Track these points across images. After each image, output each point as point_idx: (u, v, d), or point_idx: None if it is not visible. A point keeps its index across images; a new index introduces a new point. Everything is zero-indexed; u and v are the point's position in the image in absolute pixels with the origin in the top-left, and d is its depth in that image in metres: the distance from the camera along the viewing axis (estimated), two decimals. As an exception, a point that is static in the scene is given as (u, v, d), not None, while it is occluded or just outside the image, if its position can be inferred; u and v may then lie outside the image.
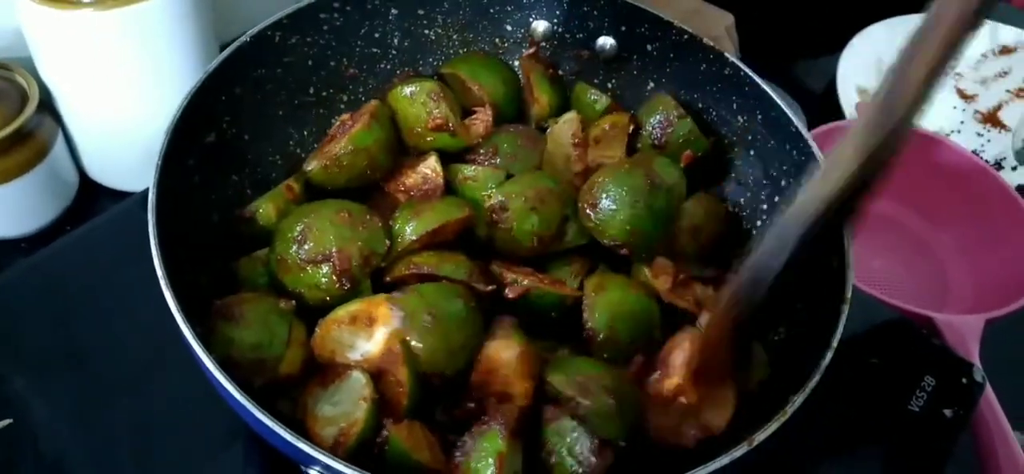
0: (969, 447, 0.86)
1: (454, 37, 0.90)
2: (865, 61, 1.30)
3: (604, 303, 0.71)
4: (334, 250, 0.67)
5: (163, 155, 0.65)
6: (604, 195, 0.74)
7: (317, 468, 0.52)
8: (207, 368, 0.55)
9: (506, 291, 0.70)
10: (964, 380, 0.85)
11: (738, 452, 0.54)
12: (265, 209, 0.72)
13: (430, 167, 0.78)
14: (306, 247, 0.68)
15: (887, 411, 0.83)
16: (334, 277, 0.67)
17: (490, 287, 0.71)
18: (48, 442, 0.73)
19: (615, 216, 0.74)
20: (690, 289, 0.75)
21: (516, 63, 0.92)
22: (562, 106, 0.89)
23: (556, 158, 0.83)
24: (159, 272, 0.58)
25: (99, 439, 0.72)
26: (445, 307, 0.65)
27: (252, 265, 0.71)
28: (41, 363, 0.76)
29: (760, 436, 0.55)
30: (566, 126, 0.83)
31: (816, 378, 0.58)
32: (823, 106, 1.23)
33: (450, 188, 0.79)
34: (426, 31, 0.88)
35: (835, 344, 0.60)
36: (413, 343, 0.63)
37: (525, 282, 0.70)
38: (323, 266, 0.67)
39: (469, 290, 0.68)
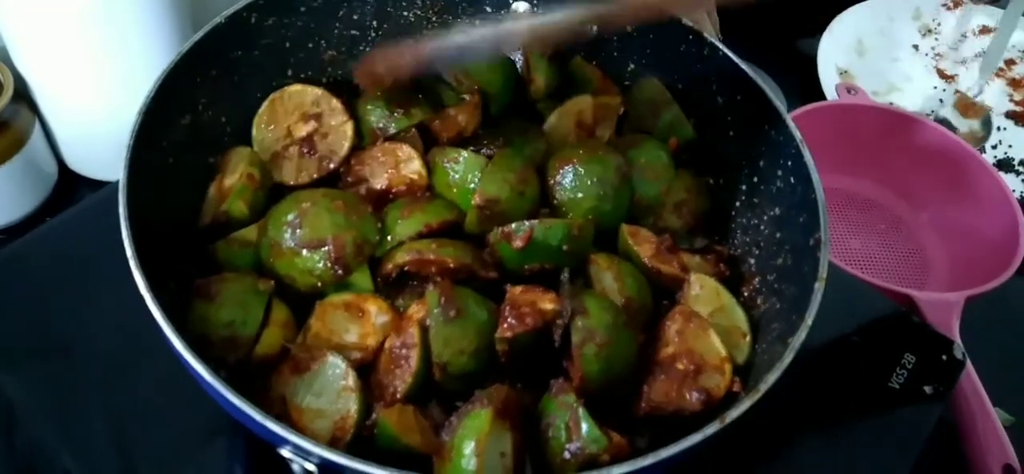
0: (950, 424, 0.87)
1: (433, 19, 0.89)
2: (846, 42, 1.31)
3: (627, 270, 0.72)
4: (330, 237, 0.68)
5: (134, 136, 0.64)
6: (573, 176, 0.75)
7: (289, 448, 0.52)
8: (182, 354, 0.54)
9: (514, 242, 0.69)
10: (944, 357, 0.85)
11: (710, 430, 0.54)
12: (236, 206, 0.72)
13: (415, 171, 0.77)
14: (300, 233, 0.68)
15: (868, 388, 0.83)
16: (328, 264, 0.68)
17: (492, 275, 0.70)
18: (25, 434, 0.73)
19: (581, 203, 0.74)
20: (676, 255, 0.76)
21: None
22: (559, 86, 0.88)
23: (557, 133, 0.83)
24: (128, 252, 0.57)
25: (79, 431, 0.72)
26: (473, 309, 0.65)
27: (229, 248, 0.70)
28: (20, 354, 0.76)
29: (733, 414, 0.55)
30: (574, 105, 0.84)
31: (789, 358, 0.58)
32: (804, 87, 1.24)
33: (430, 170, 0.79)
34: (405, 13, 0.87)
35: (809, 322, 0.60)
36: (434, 331, 0.63)
37: (527, 224, 0.69)
38: (317, 252, 0.67)
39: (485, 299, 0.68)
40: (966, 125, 1.25)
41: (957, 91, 1.28)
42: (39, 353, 0.76)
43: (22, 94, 0.91)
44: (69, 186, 1.00)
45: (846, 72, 1.28)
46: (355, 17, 0.85)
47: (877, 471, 0.80)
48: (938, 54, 1.36)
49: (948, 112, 1.26)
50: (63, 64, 0.88)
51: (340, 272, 0.68)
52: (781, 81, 1.23)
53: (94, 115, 0.92)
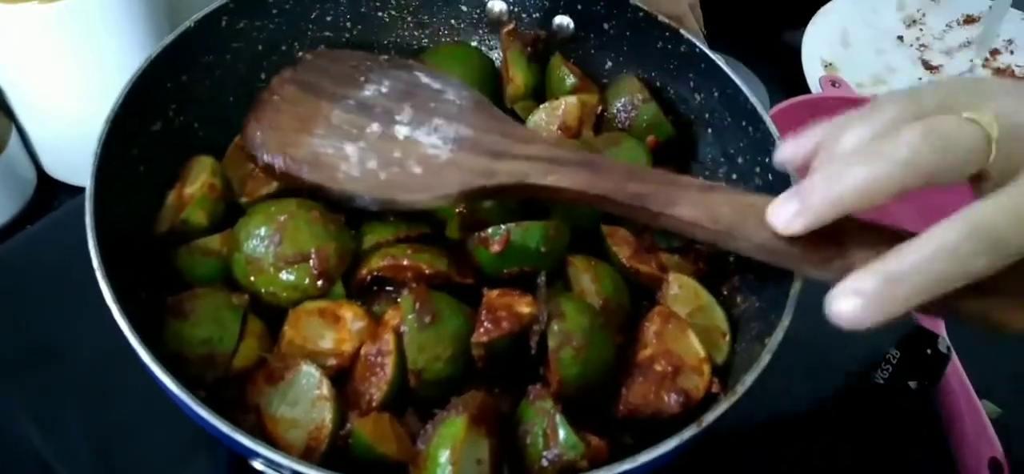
0: (936, 417, 0.87)
1: (408, 19, 0.88)
2: (830, 34, 1.30)
3: (605, 271, 0.71)
4: (313, 250, 0.67)
5: (102, 144, 0.63)
6: None
7: (260, 461, 0.51)
8: (148, 365, 0.54)
9: (491, 246, 0.68)
10: (929, 351, 0.85)
11: (687, 434, 0.53)
12: (196, 216, 0.71)
13: None
14: (281, 248, 0.67)
15: (852, 384, 0.83)
16: (313, 277, 0.67)
17: (468, 280, 0.70)
18: (5, 442, 0.72)
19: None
20: (654, 255, 0.75)
21: (474, 42, 0.91)
22: (538, 86, 0.88)
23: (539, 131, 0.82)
24: (95, 263, 0.57)
25: (61, 438, 0.71)
26: (449, 314, 0.64)
27: (191, 256, 0.69)
28: (0, 362, 0.75)
29: (710, 417, 0.55)
30: (554, 105, 0.83)
31: (766, 359, 0.58)
32: (789, 79, 1.23)
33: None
34: (379, 13, 0.87)
35: (787, 323, 0.60)
36: (409, 338, 0.62)
37: (504, 228, 0.68)
38: (301, 266, 0.67)
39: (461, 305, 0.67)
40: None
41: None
42: (20, 360, 0.76)
43: (-3, 101, 0.91)
44: (48, 192, 0.99)
45: (831, 64, 1.27)
46: (329, 18, 0.84)
47: (862, 467, 0.80)
48: (923, 45, 1.35)
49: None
50: (38, 69, 0.87)
51: (326, 284, 0.67)
52: (765, 74, 1.22)
53: (71, 121, 0.91)
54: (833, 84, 1.15)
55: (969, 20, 1.37)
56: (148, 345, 0.54)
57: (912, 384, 0.83)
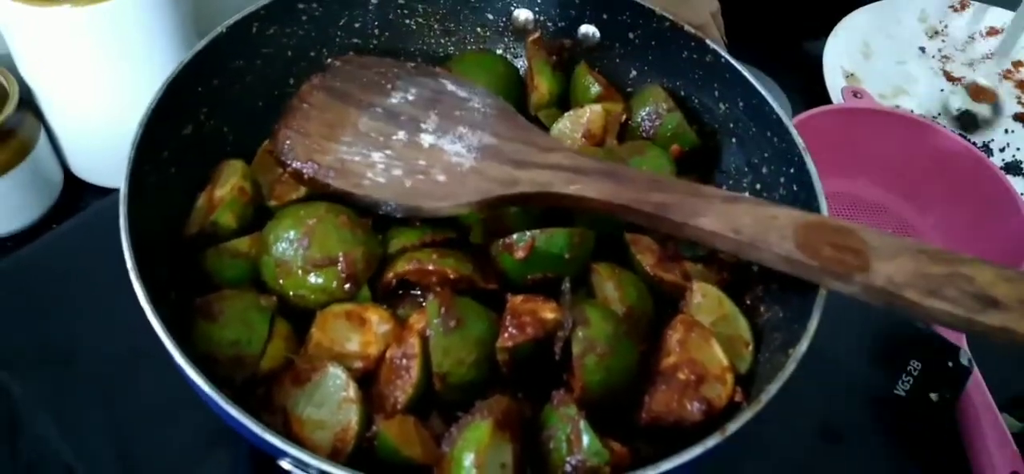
0: (957, 431, 0.86)
1: (435, 26, 0.89)
2: (852, 45, 1.30)
3: (629, 279, 0.71)
4: (341, 254, 0.68)
5: (135, 147, 0.64)
6: None
7: (288, 460, 0.52)
8: (181, 365, 0.54)
9: (516, 253, 0.69)
10: (950, 364, 0.85)
11: (711, 442, 0.54)
12: (225, 218, 0.71)
13: None
14: (310, 252, 0.67)
15: (872, 395, 0.82)
16: (340, 280, 0.68)
17: (492, 286, 0.70)
18: (30, 439, 0.73)
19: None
20: (678, 263, 0.75)
21: (499, 51, 0.92)
22: (562, 94, 0.88)
23: (562, 138, 0.83)
24: (129, 264, 0.57)
25: (84, 436, 0.72)
26: (474, 319, 0.65)
27: (219, 258, 0.70)
28: (26, 360, 0.76)
29: (733, 426, 0.55)
30: (579, 114, 0.83)
31: (791, 368, 0.58)
32: (810, 90, 1.23)
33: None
34: (407, 20, 0.88)
35: (812, 332, 0.60)
36: (434, 341, 0.63)
37: (528, 234, 0.68)
38: (329, 269, 0.67)
39: (487, 311, 0.67)
40: (979, 109, 1.26)
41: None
42: (46, 359, 0.77)
43: (28, 101, 0.92)
44: (75, 193, 1.00)
45: (852, 75, 1.27)
46: (357, 25, 0.85)
47: (882, 479, 0.80)
48: (945, 56, 1.35)
49: (961, 99, 1.26)
50: (68, 72, 0.88)
51: (352, 287, 0.68)
52: (787, 84, 1.22)
53: (99, 123, 0.93)
54: (855, 95, 1.15)
55: (992, 32, 1.37)
56: (181, 345, 0.54)
57: (933, 396, 0.83)
